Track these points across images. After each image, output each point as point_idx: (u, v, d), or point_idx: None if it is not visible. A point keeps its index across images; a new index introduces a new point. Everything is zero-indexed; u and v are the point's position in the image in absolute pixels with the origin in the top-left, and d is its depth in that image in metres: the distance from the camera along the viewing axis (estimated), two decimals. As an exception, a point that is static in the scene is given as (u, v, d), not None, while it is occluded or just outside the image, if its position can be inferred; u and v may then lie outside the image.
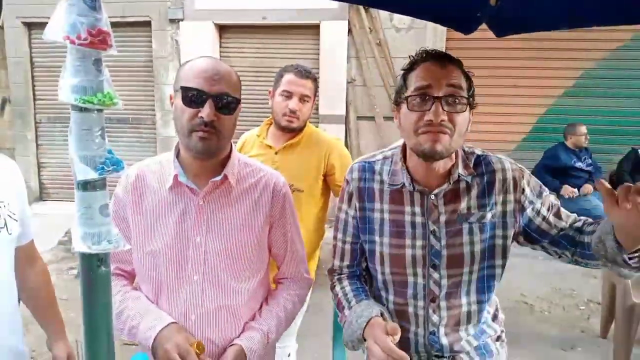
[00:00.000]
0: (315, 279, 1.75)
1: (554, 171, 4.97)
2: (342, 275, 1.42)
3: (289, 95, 1.98)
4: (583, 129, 4.96)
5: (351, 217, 1.36)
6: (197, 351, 1.17)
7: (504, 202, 1.25)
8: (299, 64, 2.08)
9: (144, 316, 1.25)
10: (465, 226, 1.24)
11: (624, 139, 5.67)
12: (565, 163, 4.95)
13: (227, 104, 1.21)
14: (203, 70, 1.20)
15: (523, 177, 1.27)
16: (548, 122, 5.87)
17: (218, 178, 1.27)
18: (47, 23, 0.71)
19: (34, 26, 6.36)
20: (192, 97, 1.19)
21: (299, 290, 1.47)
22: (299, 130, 2.05)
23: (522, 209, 1.25)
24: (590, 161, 5.06)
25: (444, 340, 1.30)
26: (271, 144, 2.08)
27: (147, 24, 6.15)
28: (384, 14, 5.71)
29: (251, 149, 2.14)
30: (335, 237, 1.42)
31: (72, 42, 0.70)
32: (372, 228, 1.31)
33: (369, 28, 5.75)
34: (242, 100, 1.29)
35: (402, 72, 1.23)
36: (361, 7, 5.68)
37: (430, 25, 5.60)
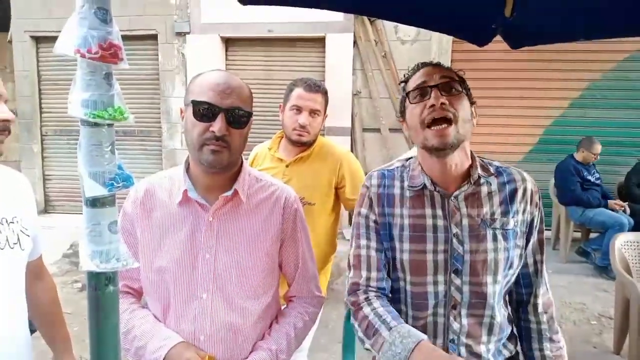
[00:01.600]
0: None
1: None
2: (370, 294, 1.28)
3: (298, 109, 1.97)
4: (599, 148, 4.92)
5: (373, 222, 1.31)
6: None
7: (524, 212, 1.26)
8: (309, 77, 2.07)
9: (151, 336, 1.22)
10: (490, 232, 1.23)
11: (631, 150, 5.64)
12: (584, 176, 4.93)
13: (238, 118, 1.19)
14: (215, 84, 1.18)
15: (538, 193, 1.30)
16: (554, 133, 5.85)
17: (228, 193, 1.25)
18: (55, 37, 0.70)
19: (42, 40, 6.42)
20: (203, 111, 1.17)
21: (310, 308, 1.43)
22: (310, 143, 2.04)
23: (531, 223, 1.27)
24: (597, 175, 5.03)
25: (462, 350, 1.25)
26: (282, 157, 2.07)
27: (154, 37, 6.20)
28: (389, 26, 5.73)
29: (262, 162, 2.13)
30: (358, 246, 1.31)
31: (83, 56, 0.68)
32: (392, 234, 1.28)
33: (375, 40, 5.77)
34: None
35: (402, 85, 1.30)
36: (366, 19, 5.70)
37: (436, 37, 5.61)
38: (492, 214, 1.24)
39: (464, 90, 1.22)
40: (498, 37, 1.43)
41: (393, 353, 1.12)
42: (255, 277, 1.28)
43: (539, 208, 1.30)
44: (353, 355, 1.58)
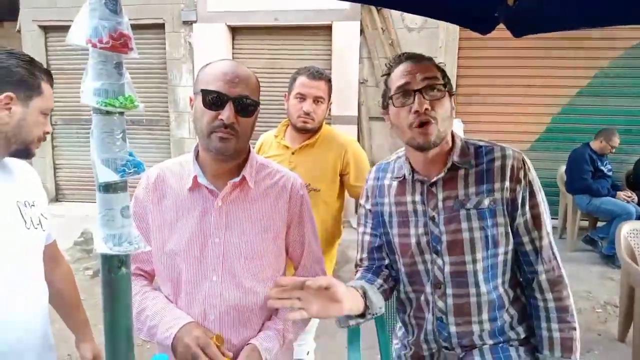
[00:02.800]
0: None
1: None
2: (360, 269, 1.47)
3: (302, 97, 2.01)
4: (618, 141, 4.89)
5: (368, 211, 1.47)
6: (217, 343, 1.20)
7: (502, 189, 1.27)
8: (312, 65, 2.10)
9: (163, 316, 1.27)
10: (463, 212, 1.28)
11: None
12: (597, 166, 4.91)
13: (246, 107, 1.22)
14: (223, 73, 1.21)
15: (523, 168, 1.29)
16: (562, 122, 5.81)
17: (236, 179, 1.29)
18: (63, 26, 0.73)
19: (50, 29, 6.44)
20: (212, 100, 1.20)
21: None
22: (316, 130, 2.07)
23: (513, 200, 1.28)
24: (609, 167, 5.00)
25: (452, 329, 1.32)
26: (288, 144, 2.10)
27: (161, 26, 6.21)
28: (396, 14, 5.69)
29: (269, 149, 2.18)
30: (361, 232, 1.50)
31: (94, 46, 0.71)
32: (384, 221, 1.41)
33: (382, 28, 5.73)
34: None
35: (383, 77, 1.34)
36: (373, 7, 5.67)
37: (443, 25, 5.57)
38: (466, 194, 1.29)
39: (445, 88, 1.26)
40: (503, 25, 1.43)
41: None
42: (263, 260, 1.32)
43: (527, 183, 1.29)
44: (358, 344, 1.61)
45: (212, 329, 1.27)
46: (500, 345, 1.34)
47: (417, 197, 1.34)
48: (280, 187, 1.37)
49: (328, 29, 5.89)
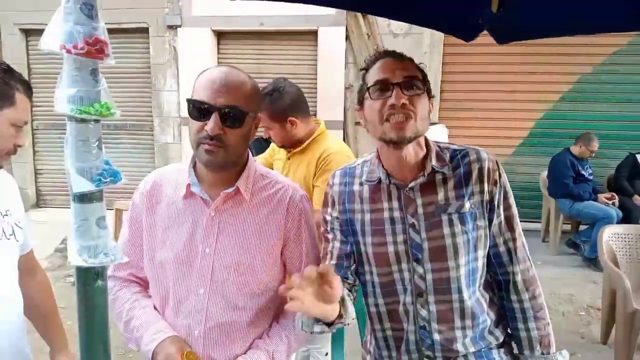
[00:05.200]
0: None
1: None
2: None
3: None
4: (597, 146, 4.97)
5: (335, 219, 1.36)
6: None
7: (481, 192, 1.27)
8: (273, 81, 2.08)
9: (147, 329, 1.25)
10: (445, 217, 1.25)
11: (621, 143, 5.67)
12: (578, 171, 4.97)
13: (234, 117, 1.17)
14: (211, 81, 1.17)
15: (498, 170, 1.30)
16: (546, 126, 5.88)
17: (230, 190, 1.25)
18: (45, 30, 0.70)
19: (32, 33, 6.34)
20: (197, 110, 1.16)
21: None
22: (300, 141, 2.07)
23: (491, 201, 1.28)
24: (590, 171, 5.08)
25: (436, 336, 1.29)
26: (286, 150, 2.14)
27: (145, 30, 6.14)
28: (381, 20, 5.72)
29: (278, 152, 2.23)
30: (326, 239, 1.37)
31: (69, 52, 0.69)
32: (355, 230, 1.33)
33: (367, 34, 5.75)
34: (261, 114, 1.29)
35: (362, 72, 1.30)
36: (359, 13, 5.69)
37: (428, 31, 5.60)
38: (446, 199, 1.26)
39: (424, 87, 1.23)
40: (485, 32, 1.44)
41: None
42: (254, 275, 1.26)
43: (501, 185, 1.29)
44: (342, 342, 1.61)
45: (197, 345, 1.23)
46: (483, 350, 1.34)
47: (395, 204, 1.28)
48: (277, 199, 1.31)
49: (314, 34, 5.89)
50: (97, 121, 0.73)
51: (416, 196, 1.27)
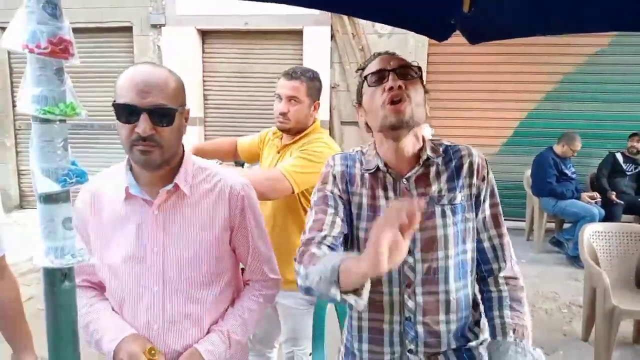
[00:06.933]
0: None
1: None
2: (323, 245, 1.22)
3: (279, 97, 2.00)
4: (579, 145, 5.03)
5: (337, 196, 1.32)
6: (150, 356, 1.19)
7: (470, 185, 1.31)
8: (299, 66, 2.10)
9: (106, 329, 1.26)
10: (438, 209, 1.28)
11: (603, 142, 5.77)
12: (561, 169, 5.03)
13: (163, 115, 1.16)
14: (133, 83, 1.14)
15: (486, 167, 1.34)
16: (529, 126, 5.96)
17: (169, 187, 1.25)
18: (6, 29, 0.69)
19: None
20: (125, 113, 1.14)
21: (264, 290, 1.46)
22: (299, 130, 2.04)
23: (477, 196, 1.31)
24: (573, 170, 5.15)
25: (420, 328, 1.29)
26: (279, 144, 2.11)
27: (129, 29, 6.09)
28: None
29: (265, 145, 2.20)
30: (325, 212, 1.28)
31: (32, 51, 0.68)
32: (352, 211, 1.33)
33: (352, 33, 5.77)
34: (188, 106, 1.26)
35: (358, 72, 1.34)
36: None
37: (413, 30, 5.65)
38: (440, 190, 1.29)
39: (418, 75, 1.27)
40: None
41: (324, 267, 1.06)
42: (204, 266, 1.29)
43: (488, 181, 1.33)
44: (322, 342, 1.62)
45: (157, 339, 1.26)
46: (464, 347, 1.35)
47: (390, 194, 1.30)
48: (218, 191, 1.33)
49: (299, 33, 5.89)
50: (62, 121, 0.72)
51: (411, 187, 1.29)
